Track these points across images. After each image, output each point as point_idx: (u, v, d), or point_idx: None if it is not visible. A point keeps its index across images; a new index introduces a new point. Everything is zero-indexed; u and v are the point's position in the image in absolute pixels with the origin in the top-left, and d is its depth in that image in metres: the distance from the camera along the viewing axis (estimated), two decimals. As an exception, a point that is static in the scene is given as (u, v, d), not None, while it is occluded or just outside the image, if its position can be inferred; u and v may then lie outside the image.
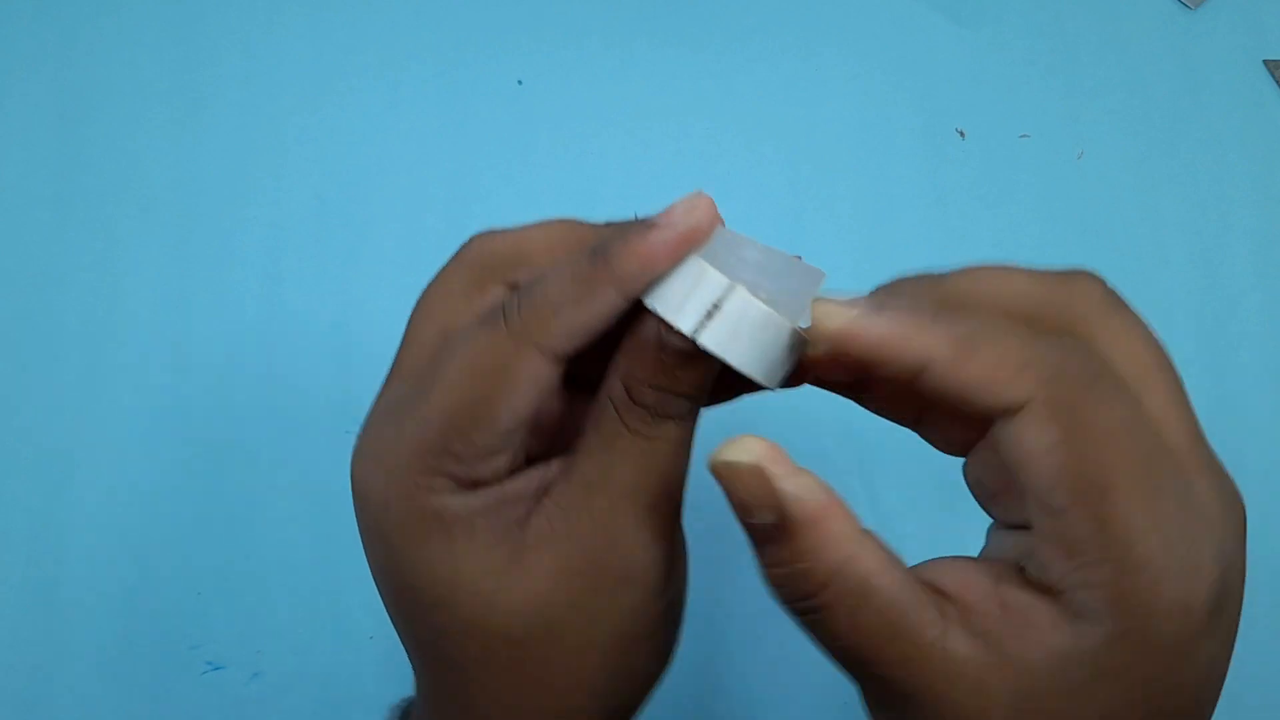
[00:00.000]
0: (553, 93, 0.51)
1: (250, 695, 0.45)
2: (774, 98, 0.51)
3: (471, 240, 0.28)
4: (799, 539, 0.23)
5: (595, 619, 0.26)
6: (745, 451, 0.23)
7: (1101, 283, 0.25)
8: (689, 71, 0.51)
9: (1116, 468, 0.22)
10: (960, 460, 0.28)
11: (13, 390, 0.47)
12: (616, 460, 0.25)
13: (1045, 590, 0.23)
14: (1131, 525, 0.22)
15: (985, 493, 0.27)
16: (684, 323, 0.24)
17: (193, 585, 0.46)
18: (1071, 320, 0.24)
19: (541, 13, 0.51)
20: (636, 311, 0.25)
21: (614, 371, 0.26)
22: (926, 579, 0.24)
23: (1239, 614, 0.24)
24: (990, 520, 0.28)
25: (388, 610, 0.28)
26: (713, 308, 0.24)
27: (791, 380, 0.26)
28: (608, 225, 0.27)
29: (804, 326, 0.24)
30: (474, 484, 0.25)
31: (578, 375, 0.27)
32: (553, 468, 0.27)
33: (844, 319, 0.23)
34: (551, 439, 0.28)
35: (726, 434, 0.24)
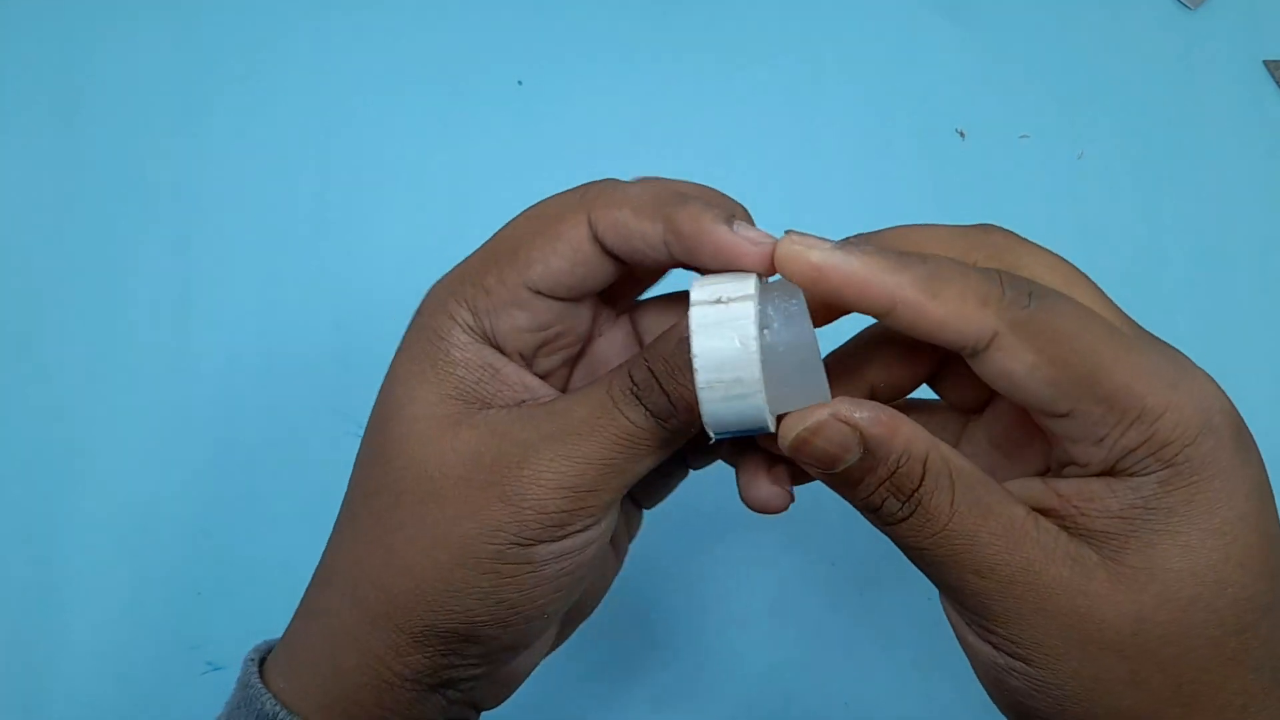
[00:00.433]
0: (553, 93, 0.51)
1: (250, 695, 0.45)
2: (774, 97, 0.51)
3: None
4: (889, 447, 0.25)
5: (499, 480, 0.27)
6: (816, 413, 0.25)
7: (1006, 229, 0.28)
8: (689, 72, 0.51)
9: (1091, 353, 0.25)
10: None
11: (13, 390, 0.47)
12: (575, 406, 0.27)
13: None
14: (1133, 387, 0.24)
15: (1006, 450, 0.29)
16: (692, 322, 0.25)
17: (193, 585, 0.46)
18: (993, 255, 0.27)
19: (541, 13, 0.51)
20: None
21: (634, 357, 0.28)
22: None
23: (1259, 453, 0.26)
24: None
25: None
26: (728, 333, 0.25)
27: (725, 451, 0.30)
28: (724, 198, 0.29)
29: (770, 430, 0.26)
30: (484, 334, 0.28)
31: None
32: (536, 391, 0.29)
33: (822, 254, 0.25)
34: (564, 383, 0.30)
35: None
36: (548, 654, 0.33)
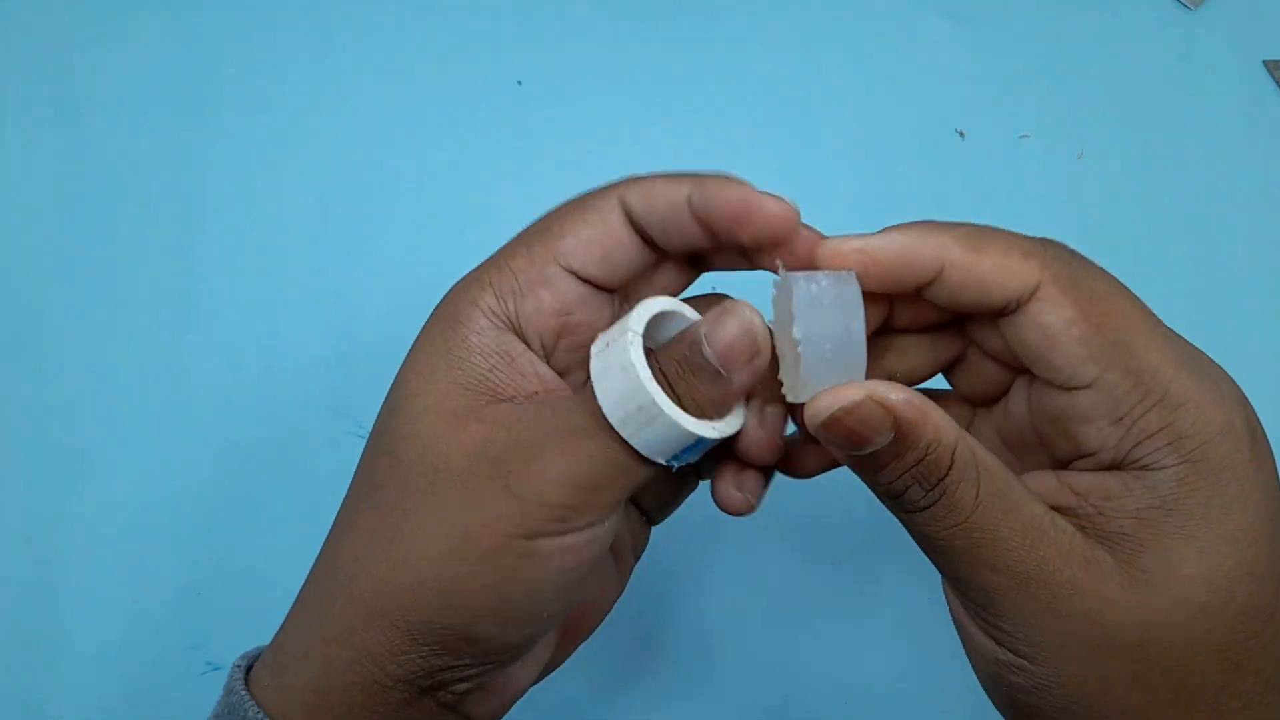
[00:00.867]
0: (553, 93, 0.51)
1: (250, 695, 0.45)
2: (773, 97, 0.51)
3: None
4: (920, 433, 0.25)
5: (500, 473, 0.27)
6: (852, 392, 0.25)
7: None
8: (688, 71, 0.51)
9: (1128, 325, 0.25)
10: None
11: (13, 391, 0.47)
12: (585, 404, 0.27)
13: (1111, 469, 0.26)
14: (1160, 370, 0.25)
15: (1021, 444, 0.29)
16: (591, 373, 0.26)
17: (193, 585, 0.46)
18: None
19: (541, 14, 0.51)
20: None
21: None
22: None
23: (1274, 461, 0.26)
24: None
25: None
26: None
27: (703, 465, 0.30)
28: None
29: (706, 436, 0.27)
30: (506, 318, 0.28)
31: None
32: (549, 383, 0.29)
33: (862, 240, 0.26)
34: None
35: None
36: (545, 674, 0.32)
